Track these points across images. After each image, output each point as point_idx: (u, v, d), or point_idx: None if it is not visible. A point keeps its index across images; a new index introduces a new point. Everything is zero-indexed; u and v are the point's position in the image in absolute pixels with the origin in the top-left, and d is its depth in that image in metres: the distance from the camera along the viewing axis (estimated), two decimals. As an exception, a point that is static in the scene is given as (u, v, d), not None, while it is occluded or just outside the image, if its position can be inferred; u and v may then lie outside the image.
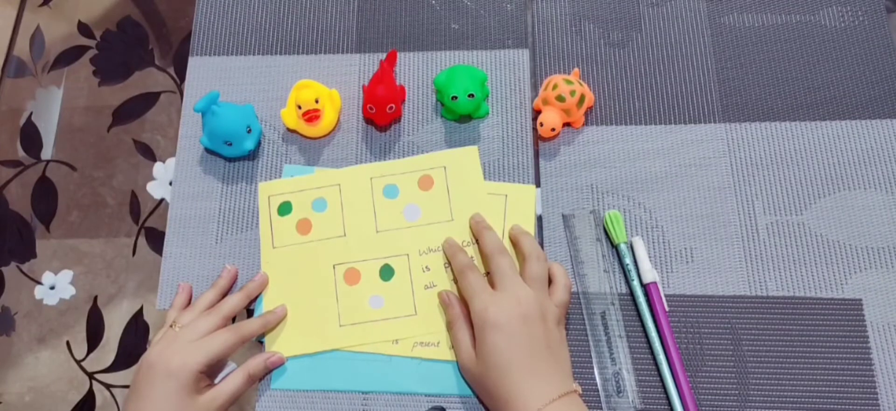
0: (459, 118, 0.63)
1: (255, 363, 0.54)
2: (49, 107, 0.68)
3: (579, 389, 0.51)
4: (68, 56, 0.69)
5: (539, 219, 0.60)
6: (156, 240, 0.62)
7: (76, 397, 0.58)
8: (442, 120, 0.64)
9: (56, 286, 0.61)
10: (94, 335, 0.60)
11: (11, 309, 0.61)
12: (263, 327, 0.56)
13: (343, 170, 0.62)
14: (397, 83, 0.64)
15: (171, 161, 0.64)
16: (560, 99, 0.60)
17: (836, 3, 0.66)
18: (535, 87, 0.65)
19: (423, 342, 0.56)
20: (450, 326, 0.55)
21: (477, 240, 0.58)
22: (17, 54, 0.70)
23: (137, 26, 0.71)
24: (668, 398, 0.54)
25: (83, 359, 0.59)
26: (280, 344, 0.57)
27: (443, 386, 0.55)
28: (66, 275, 0.62)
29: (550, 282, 0.55)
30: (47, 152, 0.66)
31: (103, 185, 0.65)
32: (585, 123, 0.63)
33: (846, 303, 0.56)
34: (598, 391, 0.55)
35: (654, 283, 0.56)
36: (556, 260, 0.58)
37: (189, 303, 0.58)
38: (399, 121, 0.64)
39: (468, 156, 0.62)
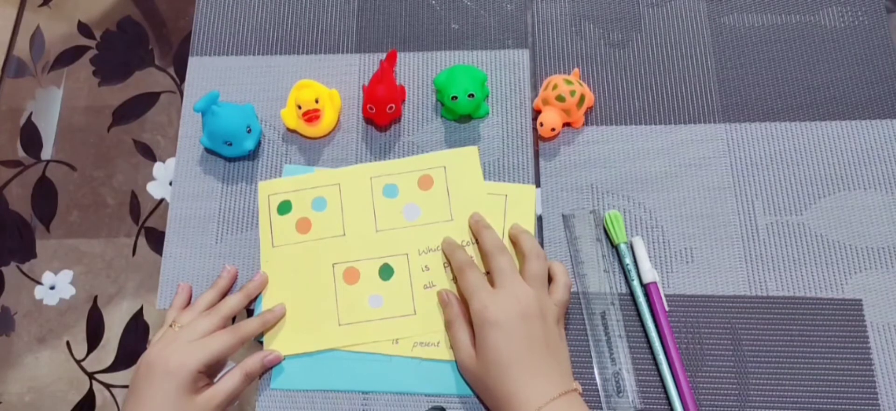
0: (459, 118, 0.63)
1: (252, 361, 0.54)
2: (49, 107, 0.68)
3: (579, 388, 0.51)
4: (68, 56, 0.69)
5: (539, 219, 0.60)
6: (156, 240, 0.62)
7: (76, 397, 0.58)
8: (442, 120, 0.64)
9: (56, 286, 0.61)
10: (94, 335, 0.60)
11: (11, 309, 0.61)
12: (262, 326, 0.56)
13: (343, 170, 0.62)
14: (397, 83, 0.64)
15: (171, 161, 0.64)
16: (560, 99, 0.60)
17: (836, 3, 0.66)
18: (535, 87, 0.65)
19: (422, 342, 0.56)
20: (448, 325, 0.55)
21: (476, 239, 0.58)
22: (17, 54, 0.70)
23: (137, 26, 0.71)
24: (668, 398, 0.54)
25: (83, 359, 0.59)
26: (279, 343, 0.57)
27: (442, 386, 0.55)
28: (66, 275, 0.62)
29: (550, 280, 0.55)
30: (47, 152, 0.66)
31: (103, 185, 0.65)
32: (585, 123, 0.63)
33: (846, 303, 0.56)
34: (598, 391, 0.55)
35: (654, 283, 0.56)
36: (556, 260, 0.58)
37: (189, 302, 0.58)
38: (399, 121, 0.64)
39: (468, 156, 0.62)
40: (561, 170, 0.62)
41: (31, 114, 0.67)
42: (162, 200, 0.64)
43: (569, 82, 0.60)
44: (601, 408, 0.54)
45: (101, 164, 0.65)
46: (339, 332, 0.57)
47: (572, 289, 0.56)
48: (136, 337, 0.59)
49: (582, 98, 0.61)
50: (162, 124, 0.66)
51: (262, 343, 0.57)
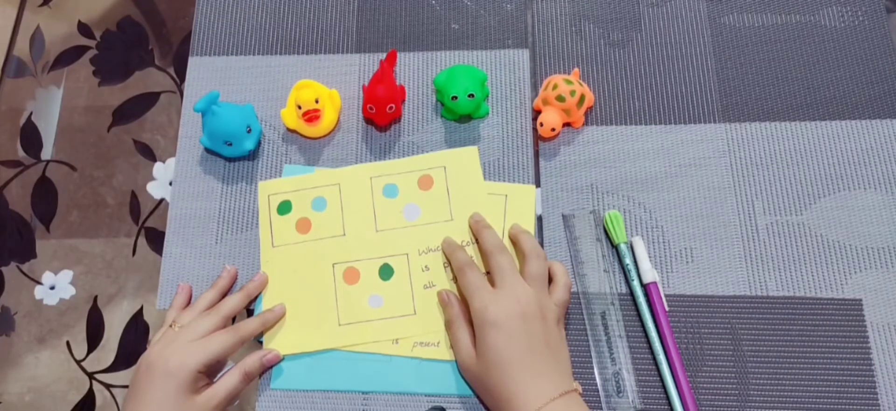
0: (459, 118, 0.63)
1: (251, 361, 0.54)
2: (49, 107, 0.68)
3: (579, 388, 0.51)
4: (68, 56, 0.69)
5: (539, 219, 0.60)
6: (156, 240, 0.62)
7: (76, 397, 0.58)
8: (442, 120, 0.64)
9: (56, 286, 0.61)
10: (94, 335, 0.60)
11: (11, 309, 0.61)
12: (262, 326, 0.56)
13: (343, 170, 0.62)
14: (397, 83, 0.64)
15: (171, 161, 0.64)
16: (560, 99, 0.60)
17: (836, 3, 0.66)
18: (535, 87, 0.65)
19: (422, 342, 0.56)
20: (448, 325, 0.55)
21: (476, 239, 0.58)
22: (17, 54, 0.70)
23: (137, 26, 0.71)
24: (668, 398, 0.54)
25: (83, 359, 0.59)
26: (279, 343, 0.57)
27: (442, 386, 0.55)
28: (66, 274, 0.62)
29: (550, 280, 0.55)
30: (47, 152, 0.66)
31: (103, 185, 0.65)
32: (585, 123, 0.63)
33: (846, 303, 0.56)
34: (598, 391, 0.55)
35: (654, 283, 0.56)
36: (556, 260, 0.58)
37: (189, 303, 0.58)
38: (399, 121, 0.64)
39: (468, 156, 0.62)
40: (561, 170, 0.62)
41: (31, 114, 0.67)
42: (162, 200, 0.64)
43: (569, 82, 0.60)
44: (601, 408, 0.54)
45: (101, 164, 0.65)
46: (339, 332, 0.57)
47: (572, 289, 0.56)
48: (136, 338, 0.59)
49: (582, 98, 0.61)
50: (162, 124, 0.66)
51: (262, 343, 0.57)
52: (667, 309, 0.56)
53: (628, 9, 0.67)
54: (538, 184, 0.62)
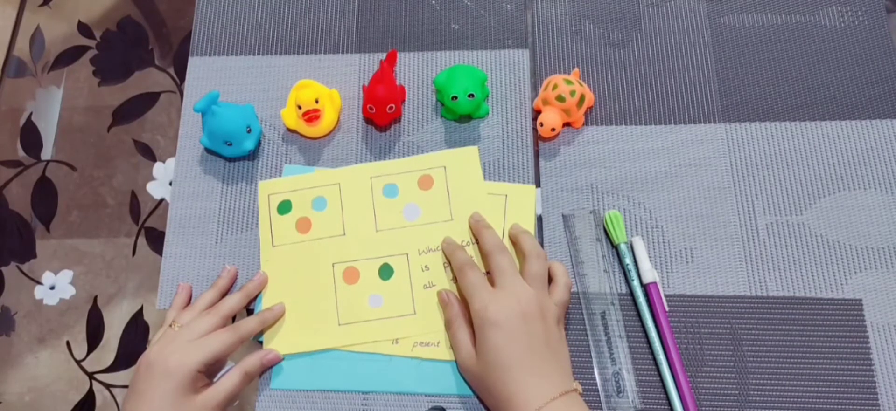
0: (459, 118, 0.63)
1: (251, 361, 0.54)
2: (49, 107, 0.68)
3: (580, 388, 0.51)
4: (68, 56, 0.69)
5: (539, 219, 0.61)
6: (156, 240, 0.62)
7: (76, 397, 0.58)
8: (442, 120, 0.64)
9: (56, 286, 0.61)
10: (94, 335, 0.60)
11: (11, 309, 0.61)
12: (261, 324, 0.56)
13: (343, 170, 0.62)
14: (397, 83, 0.64)
15: (171, 161, 0.64)
16: (560, 99, 0.60)
17: (836, 3, 0.66)
18: (535, 87, 0.65)
19: (422, 342, 0.56)
20: (448, 325, 0.55)
21: (476, 239, 0.58)
22: (17, 54, 0.70)
23: (137, 26, 0.71)
24: (668, 398, 0.54)
25: (83, 359, 0.59)
26: (279, 343, 0.57)
27: (442, 386, 0.55)
28: (66, 275, 0.62)
29: (550, 280, 0.55)
30: (47, 152, 0.66)
31: (103, 185, 0.65)
32: (585, 123, 0.63)
33: (846, 303, 0.56)
34: (598, 391, 0.55)
35: (654, 283, 0.56)
36: (556, 260, 0.58)
37: (189, 302, 0.58)
38: (399, 121, 0.64)
39: (468, 156, 0.62)
40: (561, 170, 0.62)
41: (31, 114, 0.67)
42: (162, 200, 0.64)
43: (569, 82, 0.60)
44: (601, 408, 0.54)
45: (101, 164, 0.65)
46: (339, 332, 0.57)
47: (572, 289, 0.56)
48: (136, 337, 0.59)
49: (582, 98, 0.61)
50: (162, 124, 0.66)
51: (261, 342, 0.57)
52: (667, 309, 0.56)
53: (628, 9, 0.67)
54: (538, 184, 0.62)
